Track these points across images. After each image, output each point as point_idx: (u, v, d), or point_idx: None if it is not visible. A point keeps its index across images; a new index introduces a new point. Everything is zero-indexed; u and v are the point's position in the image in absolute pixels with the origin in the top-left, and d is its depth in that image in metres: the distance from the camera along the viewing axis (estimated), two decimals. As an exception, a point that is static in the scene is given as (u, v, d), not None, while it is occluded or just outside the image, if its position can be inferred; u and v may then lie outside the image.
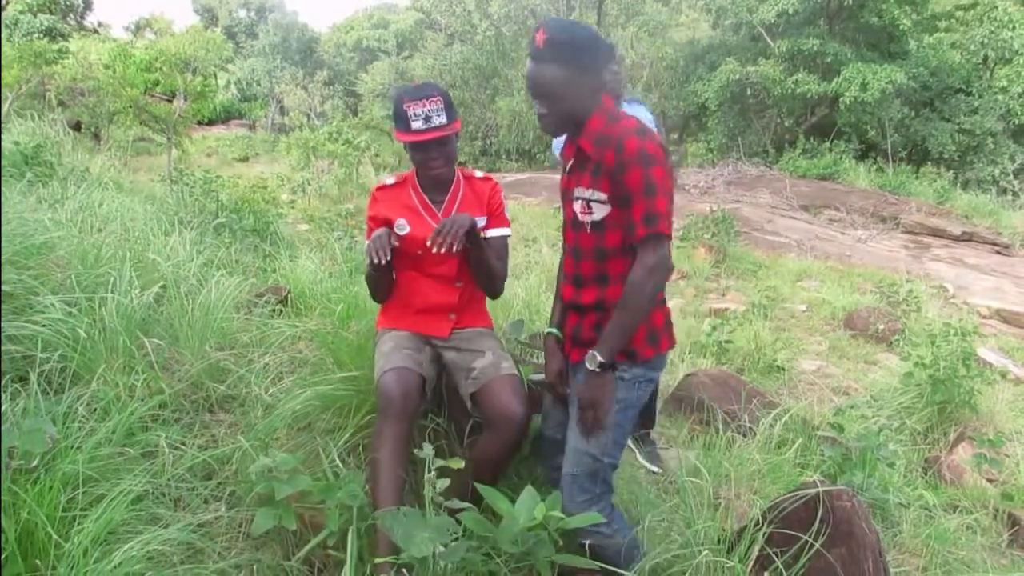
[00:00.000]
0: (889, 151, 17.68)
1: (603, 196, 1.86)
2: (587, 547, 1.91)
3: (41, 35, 20.04)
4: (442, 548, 1.64)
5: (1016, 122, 17.51)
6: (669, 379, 4.39)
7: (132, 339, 2.44)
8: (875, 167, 17.24)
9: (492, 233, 2.34)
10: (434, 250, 1.99)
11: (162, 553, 1.76)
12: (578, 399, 1.90)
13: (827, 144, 18.12)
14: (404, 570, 1.67)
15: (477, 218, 2.27)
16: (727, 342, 5.50)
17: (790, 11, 17.38)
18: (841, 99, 16.93)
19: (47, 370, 2.19)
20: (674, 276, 7.54)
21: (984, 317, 8.18)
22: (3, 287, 2.35)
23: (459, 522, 1.76)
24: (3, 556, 1.58)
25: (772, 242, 11.07)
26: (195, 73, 14.99)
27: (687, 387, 4.04)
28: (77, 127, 14.01)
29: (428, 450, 1.75)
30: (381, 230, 2.15)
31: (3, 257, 2.44)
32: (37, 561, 1.62)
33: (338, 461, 2.17)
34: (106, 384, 2.21)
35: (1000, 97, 17.57)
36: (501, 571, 1.81)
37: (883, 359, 6.22)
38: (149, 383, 2.33)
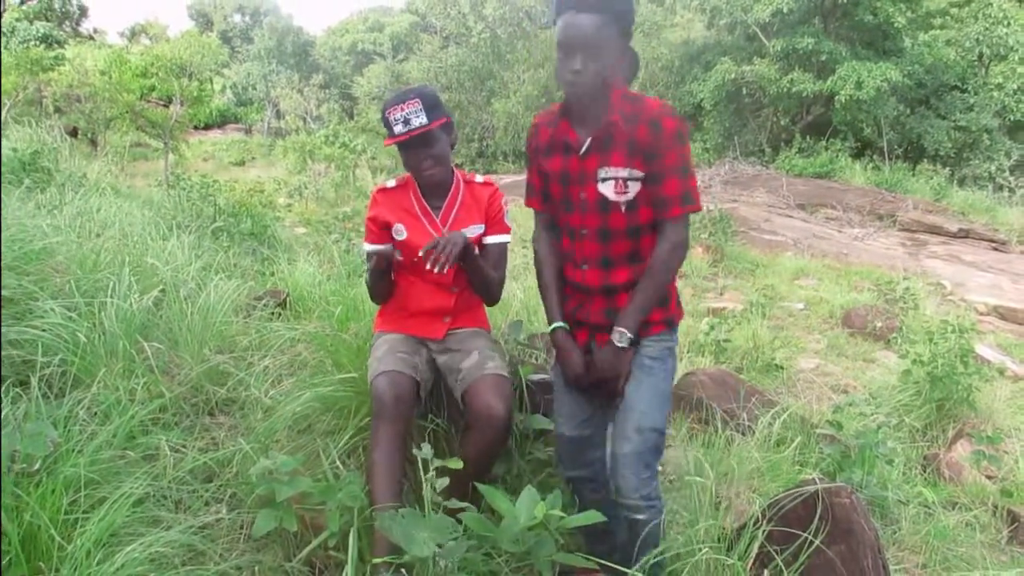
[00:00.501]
0: (885, 149, 17.73)
1: (640, 173, 1.84)
2: (633, 523, 1.88)
3: (37, 42, 20.08)
4: (441, 548, 1.64)
5: (1012, 118, 17.58)
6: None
7: (132, 343, 2.45)
8: (871, 165, 17.28)
9: (491, 240, 2.32)
10: (427, 267, 2.01)
11: (164, 555, 1.76)
12: (601, 373, 1.92)
13: (823, 143, 18.17)
14: (403, 570, 1.68)
15: (475, 225, 2.27)
16: (725, 341, 5.51)
17: (785, 10, 17.42)
18: (837, 97, 16.98)
19: (48, 374, 2.19)
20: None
21: (981, 314, 8.20)
22: (3, 292, 2.35)
23: (459, 522, 1.77)
24: (7, 559, 1.59)
25: (769, 241, 11.09)
26: (191, 78, 14.96)
27: (686, 386, 4.03)
28: (74, 133, 14.00)
29: (427, 450, 1.76)
30: (386, 247, 2.21)
31: (3, 263, 2.44)
32: (40, 563, 1.63)
33: (338, 462, 2.18)
34: (106, 388, 2.22)
35: (995, 94, 17.64)
36: (501, 571, 1.81)
37: (881, 357, 6.23)
38: (149, 387, 2.33)
